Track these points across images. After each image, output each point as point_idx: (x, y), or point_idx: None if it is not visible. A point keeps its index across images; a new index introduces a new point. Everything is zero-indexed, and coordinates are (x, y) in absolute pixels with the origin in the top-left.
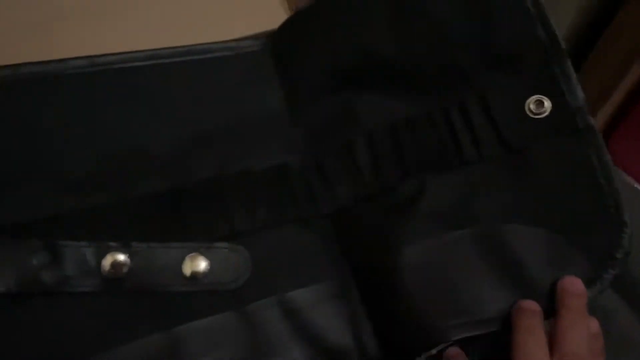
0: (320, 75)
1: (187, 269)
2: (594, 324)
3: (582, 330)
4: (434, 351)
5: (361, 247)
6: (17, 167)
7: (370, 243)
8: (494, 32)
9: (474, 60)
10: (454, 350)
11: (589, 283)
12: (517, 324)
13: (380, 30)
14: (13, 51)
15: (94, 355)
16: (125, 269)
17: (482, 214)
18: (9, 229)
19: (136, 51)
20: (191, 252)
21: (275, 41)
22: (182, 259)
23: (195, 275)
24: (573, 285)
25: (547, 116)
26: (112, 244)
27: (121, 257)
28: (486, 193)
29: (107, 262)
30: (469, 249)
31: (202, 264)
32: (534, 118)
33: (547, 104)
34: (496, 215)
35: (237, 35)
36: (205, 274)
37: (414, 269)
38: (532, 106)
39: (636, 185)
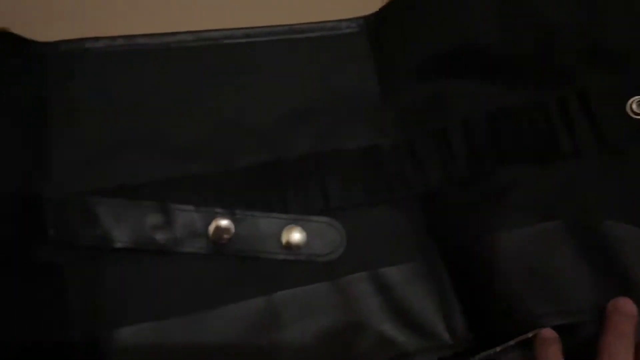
0: (416, 59)
1: (286, 238)
2: None
3: None
4: (530, 334)
5: (451, 230)
6: (130, 132)
7: (462, 227)
8: (600, 30)
9: (578, 55)
10: (550, 332)
11: None
12: (610, 324)
13: (484, 19)
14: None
15: (199, 312)
16: (228, 235)
17: (577, 208)
18: (124, 189)
19: (244, 28)
20: (290, 223)
21: (373, 24)
22: (282, 229)
23: (293, 245)
24: None
25: None
26: (219, 210)
27: (226, 222)
28: (581, 188)
29: (213, 226)
30: (564, 240)
31: (299, 235)
32: (634, 118)
33: None
34: (592, 210)
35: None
36: (302, 245)
37: (509, 255)
38: (634, 106)
39: None
